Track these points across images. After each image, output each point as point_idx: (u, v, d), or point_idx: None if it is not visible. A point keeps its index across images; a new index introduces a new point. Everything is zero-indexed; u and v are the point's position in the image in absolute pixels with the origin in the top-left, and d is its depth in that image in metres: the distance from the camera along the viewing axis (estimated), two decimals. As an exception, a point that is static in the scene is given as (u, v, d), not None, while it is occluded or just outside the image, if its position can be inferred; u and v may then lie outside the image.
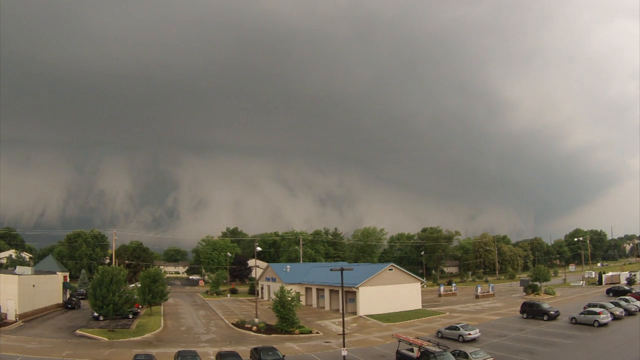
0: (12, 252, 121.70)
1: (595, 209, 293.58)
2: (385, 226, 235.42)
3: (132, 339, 45.91)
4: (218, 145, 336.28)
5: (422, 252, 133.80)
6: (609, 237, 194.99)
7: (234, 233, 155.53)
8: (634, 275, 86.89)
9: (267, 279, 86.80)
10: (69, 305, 68.04)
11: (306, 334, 48.91)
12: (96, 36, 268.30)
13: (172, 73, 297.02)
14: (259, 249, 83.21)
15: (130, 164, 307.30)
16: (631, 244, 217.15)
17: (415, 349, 33.92)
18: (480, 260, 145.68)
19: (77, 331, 48.32)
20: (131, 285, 63.25)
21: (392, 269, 65.62)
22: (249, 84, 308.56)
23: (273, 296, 59.91)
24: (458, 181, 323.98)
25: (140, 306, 63.52)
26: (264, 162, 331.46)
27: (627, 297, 57.51)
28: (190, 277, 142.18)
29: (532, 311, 53.33)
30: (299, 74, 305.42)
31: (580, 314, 47.85)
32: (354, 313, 60.77)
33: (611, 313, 47.84)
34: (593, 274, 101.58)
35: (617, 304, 51.79)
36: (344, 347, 34.16)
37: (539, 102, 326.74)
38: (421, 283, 70.25)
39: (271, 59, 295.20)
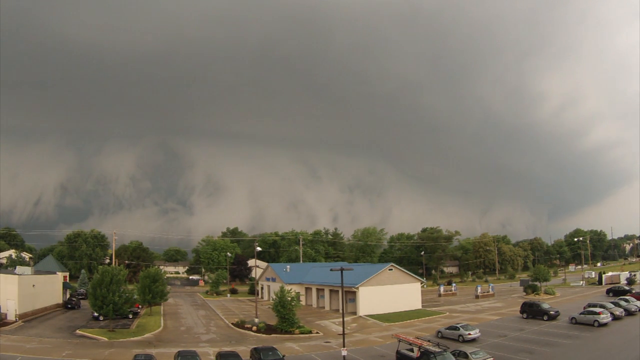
0: (12, 252, 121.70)
1: (604, 208, 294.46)
2: (408, 220, 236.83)
3: (132, 339, 45.92)
4: (240, 134, 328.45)
5: (422, 252, 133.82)
6: (609, 237, 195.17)
7: (234, 233, 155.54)
8: (634, 275, 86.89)
9: (267, 279, 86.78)
10: (69, 305, 68.04)
11: (306, 334, 48.92)
12: (116, 18, 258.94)
13: (194, 59, 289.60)
14: (259, 249, 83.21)
15: (141, 151, 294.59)
16: (631, 244, 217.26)
17: (415, 349, 33.93)
18: (480, 260, 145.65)
19: (77, 331, 48.33)
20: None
21: (392, 269, 65.62)
22: (276, 74, 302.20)
23: (273, 296, 59.90)
24: (480, 177, 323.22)
25: (140, 306, 63.52)
26: (287, 153, 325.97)
27: (627, 297, 57.52)
28: (190, 277, 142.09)
29: (532, 311, 53.33)
30: (330, 65, 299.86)
31: (580, 314, 47.86)
32: (354, 313, 60.77)
33: (611, 313, 47.85)
34: (593, 274, 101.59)
35: (617, 304, 51.81)
36: (344, 347, 34.16)
37: (563, 99, 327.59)
38: (421, 283, 70.26)
39: (304, 48, 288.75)
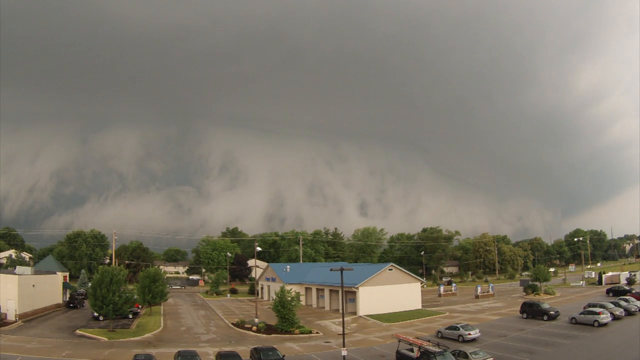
0: (12, 252, 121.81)
1: (606, 208, 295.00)
2: (430, 213, 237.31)
3: (132, 339, 45.93)
4: (267, 120, 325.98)
5: (422, 252, 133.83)
6: (609, 237, 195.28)
7: (233, 233, 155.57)
8: (634, 275, 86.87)
9: (267, 279, 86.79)
10: (72, 305, 68.43)
11: (306, 334, 48.91)
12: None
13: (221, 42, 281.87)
14: (259, 249, 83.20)
15: (152, 134, 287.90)
16: (631, 244, 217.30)
17: (415, 349, 33.94)
18: (480, 260, 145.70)
19: (77, 331, 48.33)
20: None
21: (392, 269, 65.60)
22: (309, 63, 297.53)
23: (273, 296, 59.93)
24: (501, 173, 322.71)
25: (140, 306, 63.53)
26: (315, 141, 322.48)
27: (627, 297, 57.50)
28: (190, 277, 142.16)
29: (532, 311, 53.33)
30: (364, 55, 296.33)
31: (580, 314, 47.86)
32: (354, 313, 60.77)
33: (611, 313, 47.85)
34: (593, 274, 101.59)
35: (617, 304, 51.79)
36: (343, 347, 34.15)
37: (590, 95, 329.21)
38: (421, 283, 70.25)
39: (340, 39, 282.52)
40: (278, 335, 48.58)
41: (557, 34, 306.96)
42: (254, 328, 51.43)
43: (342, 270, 36.70)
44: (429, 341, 35.04)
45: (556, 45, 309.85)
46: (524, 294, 78.13)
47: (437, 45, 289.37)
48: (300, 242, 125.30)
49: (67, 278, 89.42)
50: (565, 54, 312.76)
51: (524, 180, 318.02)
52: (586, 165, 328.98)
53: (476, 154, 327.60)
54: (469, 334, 42.06)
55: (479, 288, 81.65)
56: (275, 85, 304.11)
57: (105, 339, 44.99)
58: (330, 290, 69.07)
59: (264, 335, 48.94)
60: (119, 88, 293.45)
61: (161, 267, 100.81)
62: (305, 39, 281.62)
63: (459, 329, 43.01)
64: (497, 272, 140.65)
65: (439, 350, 32.24)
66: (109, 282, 47.65)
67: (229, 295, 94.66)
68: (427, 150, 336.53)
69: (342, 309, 38.72)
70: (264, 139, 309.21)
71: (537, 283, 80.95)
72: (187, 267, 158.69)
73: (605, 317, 45.93)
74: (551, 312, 51.50)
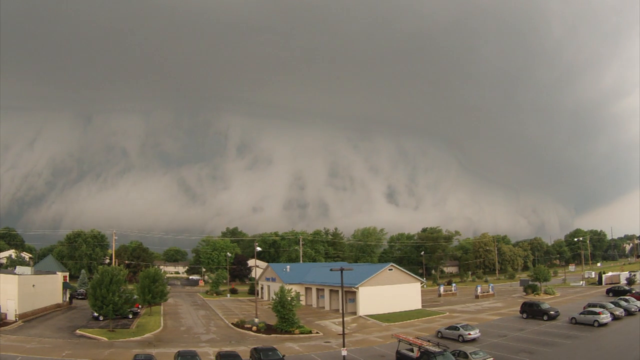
0: (12, 252, 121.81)
1: (606, 207, 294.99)
2: (459, 210, 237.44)
3: (132, 339, 45.94)
4: (292, 108, 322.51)
5: (422, 252, 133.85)
6: (608, 237, 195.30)
7: (233, 233, 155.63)
8: (634, 275, 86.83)
9: (267, 279, 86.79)
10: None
11: (306, 334, 48.92)
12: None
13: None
14: (258, 249, 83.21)
15: (166, 118, 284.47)
16: (631, 244, 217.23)
17: (415, 349, 33.95)
18: (480, 260, 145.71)
19: (77, 331, 48.35)
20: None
21: (392, 269, 65.61)
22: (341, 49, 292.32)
23: (273, 296, 59.92)
24: (522, 168, 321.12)
25: (140, 306, 63.54)
26: (344, 131, 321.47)
27: (627, 297, 57.47)
28: (190, 277, 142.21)
29: (532, 311, 53.33)
30: (395, 45, 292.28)
31: (580, 314, 47.86)
32: (354, 313, 60.77)
33: (611, 313, 47.86)
34: (593, 274, 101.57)
35: (617, 304, 51.80)
36: (343, 347, 34.17)
37: (618, 88, 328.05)
38: (421, 283, 70.26)
39: (379, 31, 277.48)
40: (278, 335, 48.59)
41: (587, 31, 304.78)
42: (254, 328, 51.44)
43: (342, 270, 36.72)
44: (429, 341, 35.05)
45: (585, 43, 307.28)
46: (524, 294, 78.10)
47: (469, 43, 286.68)
48: (300, 242, 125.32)
49: (67, 278, 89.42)
50: (595, 50, 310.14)
51: (544, 178, 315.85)
52: (596, 166, 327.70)
53: (503, 151, 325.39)
54: (469, 334, 42.07)
55: (479, 288, 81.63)
56: (306, 73, 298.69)
57: (105, 339, 44.99)
58: (330, 290, 69.07)
59: (264, 335, 48.95)
60: (131, 69, 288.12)
61: (161, 267, 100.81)
62: (345, 30, 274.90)
63: (459, 329, 43.02)
64: (497, 272, 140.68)
65: (439, 350, 32.25)
66: (109, 282, 47.67)
67: (229, 295, 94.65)
68: (457, 144, 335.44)
69: (342, 309, 38.73)
70: (288, 126, 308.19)
71: (537, 283, 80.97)
72: (187, 267, 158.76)
73: (605, 317, 45.94)
74: (551, 312, 51.50)
